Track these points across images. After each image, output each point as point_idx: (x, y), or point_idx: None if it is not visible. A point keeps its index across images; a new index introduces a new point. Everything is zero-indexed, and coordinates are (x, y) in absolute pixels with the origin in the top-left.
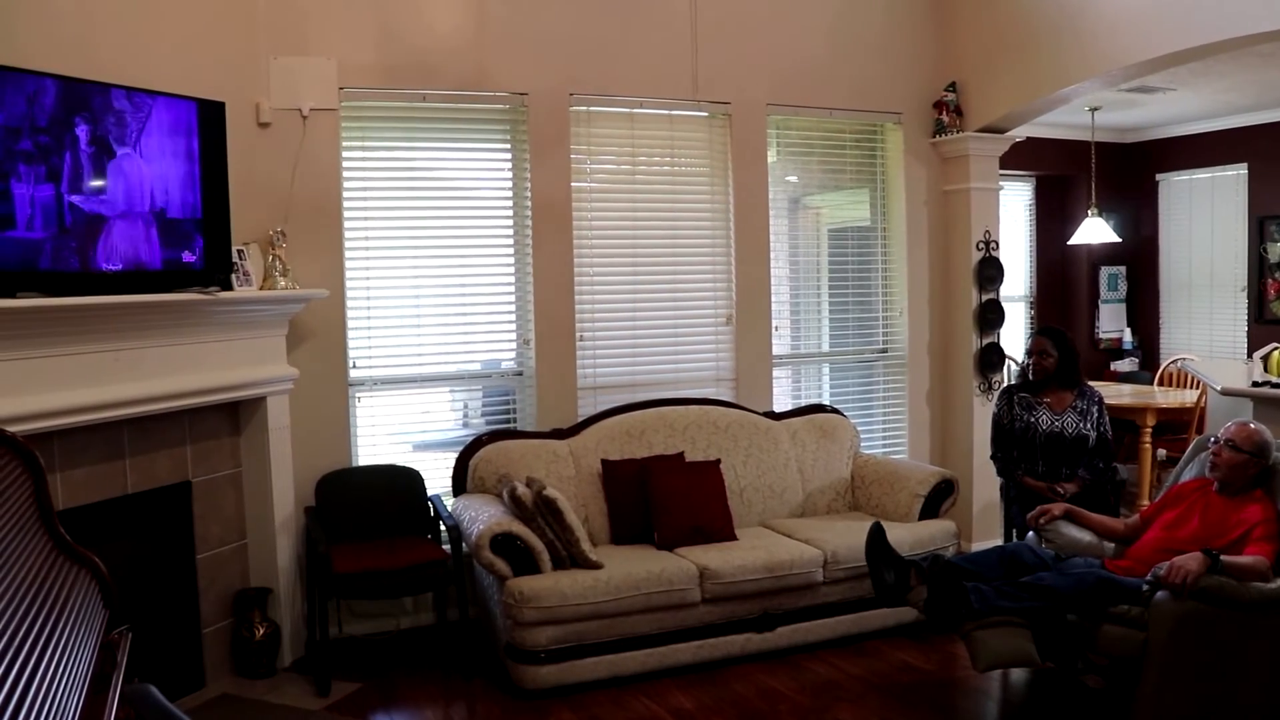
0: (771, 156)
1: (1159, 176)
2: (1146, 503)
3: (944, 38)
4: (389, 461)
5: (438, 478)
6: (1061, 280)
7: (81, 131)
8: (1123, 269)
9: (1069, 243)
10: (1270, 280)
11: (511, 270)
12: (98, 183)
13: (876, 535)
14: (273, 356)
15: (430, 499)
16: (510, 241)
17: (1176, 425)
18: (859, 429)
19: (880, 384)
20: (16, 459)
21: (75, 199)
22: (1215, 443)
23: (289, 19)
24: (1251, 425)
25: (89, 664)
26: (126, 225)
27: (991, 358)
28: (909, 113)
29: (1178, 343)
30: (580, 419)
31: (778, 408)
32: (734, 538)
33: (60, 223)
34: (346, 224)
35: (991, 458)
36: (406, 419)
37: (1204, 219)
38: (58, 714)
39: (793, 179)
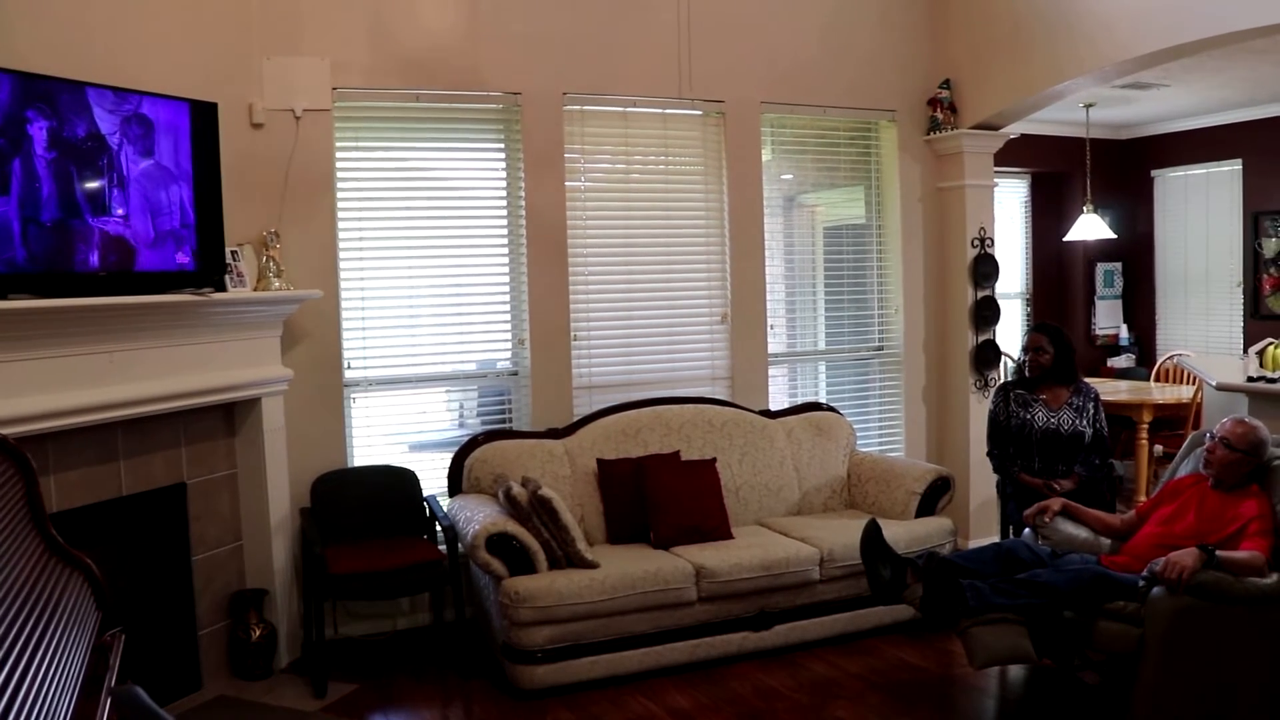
0: (766, 155)
1: (1154, 173)
2: (1143, 498)
3: (938, 35)
4: (384, 462)
5: (433, 478)
6: (1057, 277)
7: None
8: (1119, 265)
9: (1064, 239)
10: (1266, 275)
11: (506, 270)
12: (91, 185)
13: (872, 532)
14: (267, 357)
15: (426, 499)
16: (504, 241)
17: (1173, 421)
18: (855, 427)
19: (876, 382)
20: (8, 461)
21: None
22: (1210, 439)
23: (282, 19)
24: (1246, 423)
25: (81, 667)
26: (122, 229)
27: (987, 355)
28: (903, 110)
29: (1174, 338)
30: (576, 418)
31: (773, 406)
32: (730, 536)
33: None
34: (340, 224)
35: (988, 454)
36: (402, 419)
37: (1199, 215)
38: (49, 717)
39: (787, 177)
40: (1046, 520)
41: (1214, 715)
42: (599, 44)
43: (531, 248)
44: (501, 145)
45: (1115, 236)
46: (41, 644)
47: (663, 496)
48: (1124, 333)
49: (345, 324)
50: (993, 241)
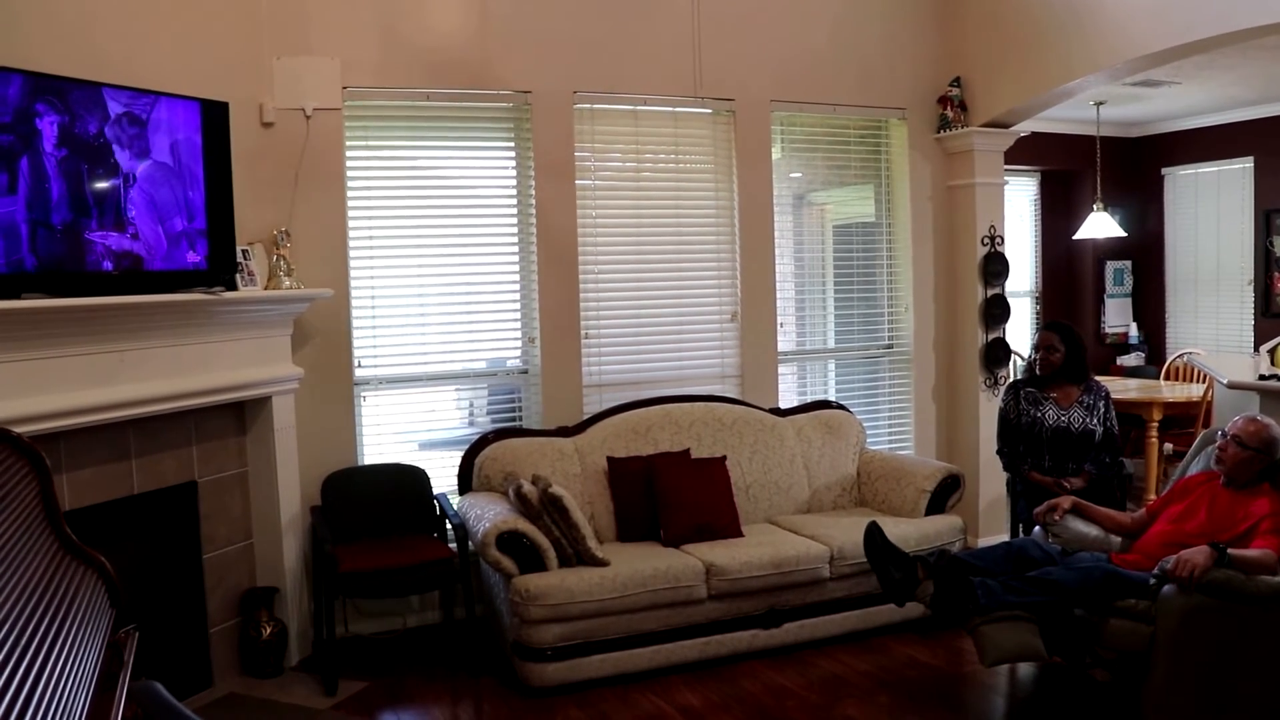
0: (776, 153)
1: (1164, 170)
2: (1153, 497)
3: (948, 33)
4: (395, 460)
5: (443, 476)
6: (1067, 275)
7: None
8: (1128, 263)
9: (1074, 237)
10: (1277, 273)
11: (516, 268)
12: (103, 185)
13: (874, 534)
14: (278, 356)
15: (436, 497)
16: (515, 239)
17: (1183, 419)
18: (865, 425)
19: (886, 380)
20: (22, 460)
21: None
22: (1222, 437)
23: (292, 19)
24: (1259, 421)
25: (96, 663)
26: (133, 228)
27: (997, 353)
28: (913, 108)
29: (1184, 337)
30: (586, 417)
31: (783, 404)
32: (740, 534)
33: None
34: (350, 223)
35: (998, 453)
36: (412, 418)
37: (1210, 213)
38: (65, 713)
39: (797, 175)
40: (1056, 518)
41: (1224, 713)
42: (609, 43)
43: (542, 246)
44: (512, 144)
45: (1125, 235)
46: (57, 641)
47: (673, 494)
48: (1134, 331)
49: (355, 322)
50: (1003, 239)
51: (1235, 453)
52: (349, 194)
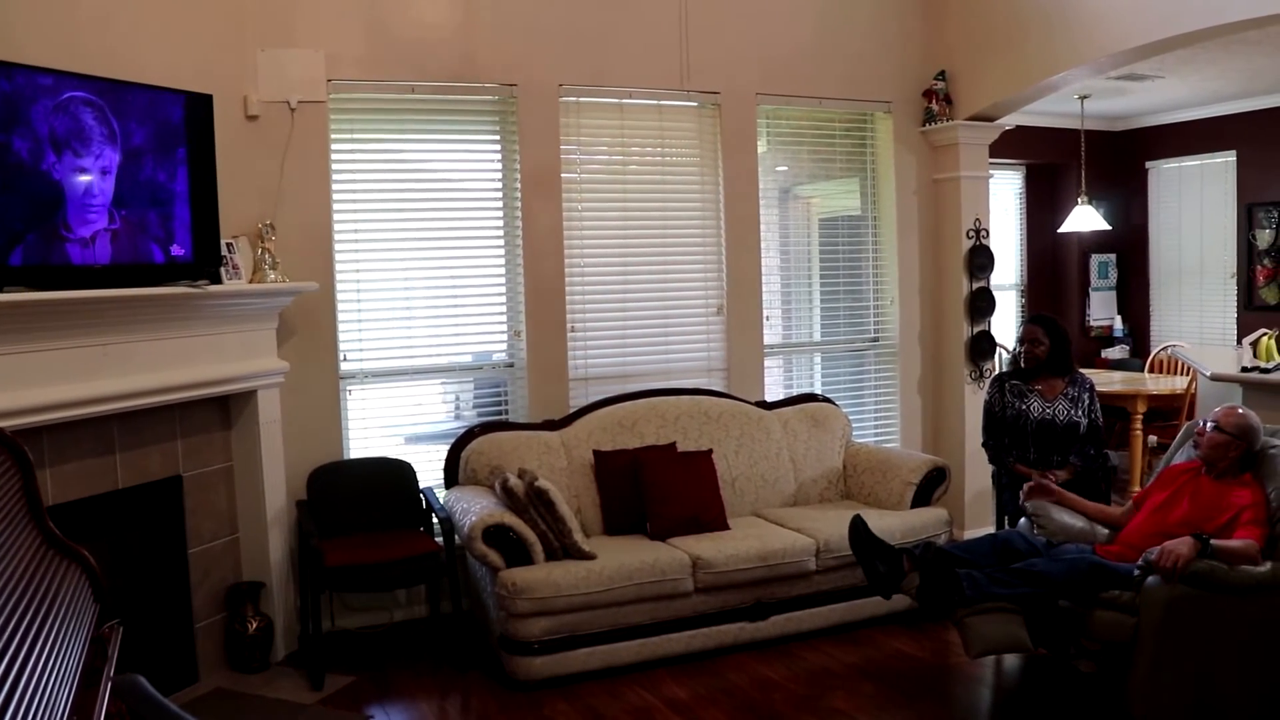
0: (761, 146)
1: (1148, 164)
2: (1138, 489)
3: (933, 26)
4: (380, 454)
5: (430, 470)
6: (1052, 268)
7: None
8: (1113, 256)
9: (1059, 231)
10: (1259, 267)
11: (502, 262)
12: (85, 178)
13: (858, 527)
14: (263, 350)
15: (422, 491)
16: (500, 233)
17: (1167, 412)
18: (851, 418)
19: (872, 373)
20: (5, 454)
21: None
22: (1203, 425)
23: (276, 11)
24: (1239, 410)
25: (80, 658)
26: (117, 221)
27: (982, 346)
28: (899, 101)
29: (1168, 329)
30: (572, 410)
31: (769, 397)
32: (726, 527)
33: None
34: (336, 216)
35: (983, 445)
36: (398, 411)
37: (1193, 206)
38: (48, 708)
39: (783, 169)
40: (1036, 487)
41: (1208, 702)
42: (595, 35)
43: (527, 240)
44: (497, 137)
45: (1110, 228)
46: (40, 636)
47: (659, 488)
48: (1118, 324)
49: (341, 316)
50: (988, 233)
51: (1211, 437)
52: (334, 187)
